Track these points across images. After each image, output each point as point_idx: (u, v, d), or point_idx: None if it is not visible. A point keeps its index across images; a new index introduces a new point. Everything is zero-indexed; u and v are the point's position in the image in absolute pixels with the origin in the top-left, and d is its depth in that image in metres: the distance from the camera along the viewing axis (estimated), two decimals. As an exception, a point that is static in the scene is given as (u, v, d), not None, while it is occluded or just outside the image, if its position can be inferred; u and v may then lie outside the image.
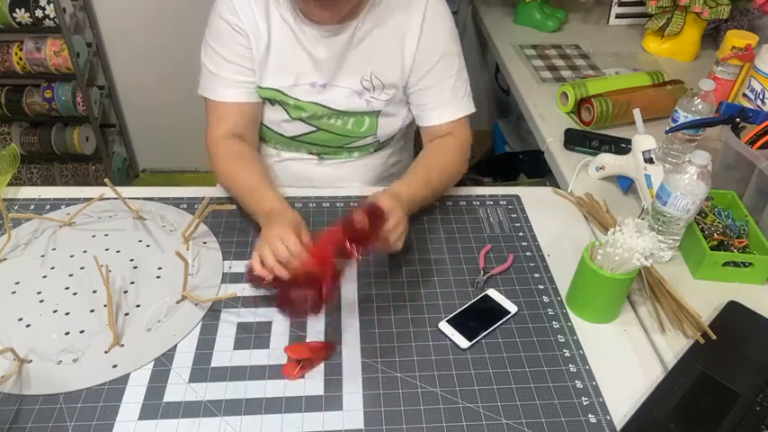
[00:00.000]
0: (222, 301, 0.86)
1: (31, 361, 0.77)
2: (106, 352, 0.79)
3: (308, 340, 0.82)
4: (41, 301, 0.85)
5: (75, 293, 0.86)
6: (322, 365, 0.79)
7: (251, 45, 1.00)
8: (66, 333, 0.81)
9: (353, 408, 0.74)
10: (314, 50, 1.01)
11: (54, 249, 0.94)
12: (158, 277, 0.90)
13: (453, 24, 1.06)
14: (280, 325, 0.84)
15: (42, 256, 0.92)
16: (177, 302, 0.86)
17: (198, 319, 0.84)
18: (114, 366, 0.77)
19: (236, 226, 0.99)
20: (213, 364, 0.78)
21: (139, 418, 0.72)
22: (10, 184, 1.04)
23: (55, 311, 0.84)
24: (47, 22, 1.86)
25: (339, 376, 0.77)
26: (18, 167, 1.08)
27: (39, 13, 1.84)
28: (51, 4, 1.83)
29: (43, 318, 0.83)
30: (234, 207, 1.00)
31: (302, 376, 0.77)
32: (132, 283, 0.89)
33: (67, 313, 0.84)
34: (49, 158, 2.21)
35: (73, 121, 2.11)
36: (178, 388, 0.75)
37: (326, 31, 1.00)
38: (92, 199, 1.01)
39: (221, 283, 0.90)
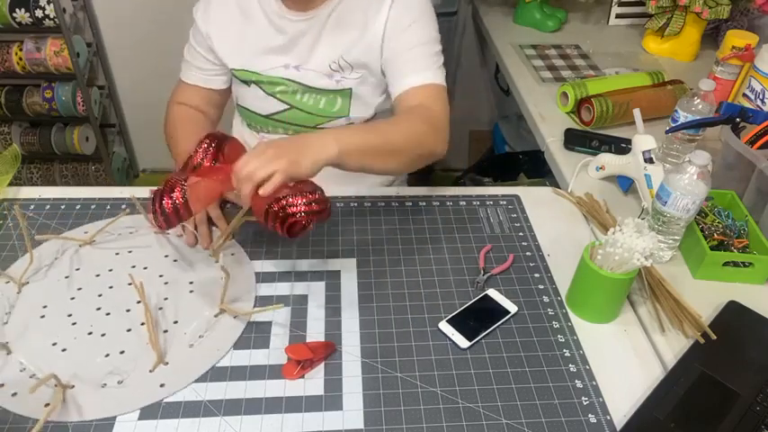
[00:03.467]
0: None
1: (73, 386, 0.74)
2: (151, 371, 0.77)
3: (307, 340, 0.82)
4: (74, 324, 0.82)
5: (107, 314, 0.84)
6: (322, 365, 0.79)
7: (211, 42, 1.08)
8: (107, 355, 0.78)
9: (353, 408, 0.74)
10: (289, 35, 1.04)
11: (78, 270, 0.90)
12: (191, 292, 0.88)
13: (427, 3, 1.05)
14: (280, 325, 0.84)
15: (67, 277, 0.89)
16: (215, 316, 0.84)
17: (240, 330, 0.82)
18: (162, 386, 0.75)
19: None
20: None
21: (139, 418, 0.72)
22: (10, 184, 1.04)
23: (90, 333, 0.81)
24: (47, 22, 1.86)
25: (339, 376, 0.77)
26: (18, 168, 1.08)
27: (39, 13, 1.84)
28: (51, 4, 1.83)
29: (78, 341, 0.80)
30: None
31: (302, 377, 0.77)
32: (166, 299, 0.86)
33: (103, 334, 0.81)
34: (49, 158, 2.21)
35: (73, 121, 2.11)
36: (178, 388, 0.75)
37: (303, 17, 1.02)
38: (112, 219, 0.97)
39: (255, 293, 0.89)
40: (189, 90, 1.15)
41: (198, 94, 1.15)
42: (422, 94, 1.02)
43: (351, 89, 1.08)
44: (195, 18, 1.09)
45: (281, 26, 1.04)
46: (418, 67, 1.03)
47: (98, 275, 0.90)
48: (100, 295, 0.87)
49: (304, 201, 0.76)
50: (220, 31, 1.07)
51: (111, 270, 0.91)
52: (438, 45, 1.06)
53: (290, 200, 0.75)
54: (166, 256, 0.94)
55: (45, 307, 0.85)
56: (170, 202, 0.78)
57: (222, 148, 0.81)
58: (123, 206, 1.02)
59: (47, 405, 0.72)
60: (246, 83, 1.11)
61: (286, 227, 0.75)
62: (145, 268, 0.91)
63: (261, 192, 0.74)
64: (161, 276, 0.90)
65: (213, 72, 1.13)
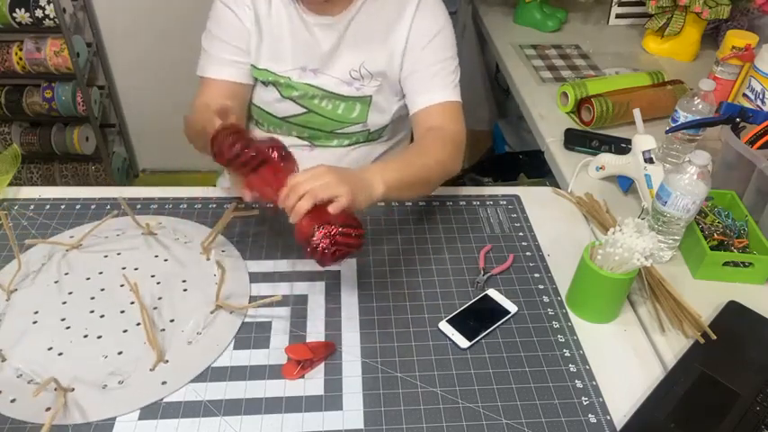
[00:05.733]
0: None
1: (73, 389, 0.74)
2: (151, 370, 0.77)
3: (307, 340, 0.82)
4: (68, 328, 0.81)
5: (101, 316, 0.83)
6: (322, 365, 0.79)
7: (245, 26, 1.02)
8: (105, 357, 0.78)
9: (353, 408, 0.74)
10: (310, 38, 1.03)
11: (67, 274, 0.90)
12: (185, 290, 0.88)
13: (447, 18, 1.06)
14: (280, 325, 0.84)
15: (56, 282, 0.88)
16: (211, 312, 0.85)
17: (237, 326, 0.83)
18: (164, 383, 0.75)
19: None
20: (213, 364, 0.78)
21: (139, 418, 0.72)
22: (10, 184, 1.04)
23: (85, 336, 0.80)
24: (47, 22, 1.86)
25: (339, 376, 0.78)
26: (18, 167, 1.08)
27: (39, 13, 1.84)
28: (51, 4, 1.83)
29: (75, 344, 0.79)
30: (256, 213, 1.00)
31: (302, 377, 0.77)
32: (160, 298, 0.86)
33: (99, 337, 0.80)
34: (49, 158, 2.21)
35: (73, 121, 2.11)
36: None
37: (324, 21, 1.02)
38: (98, 222, 0.97)
39: (249, 289, 0.89)
40: (214, 87, 1.04)
41: (225, 90, 1.04)
42: (442, 114, 1.04)
43: (371, 96, 1.08)
44: (225, 3, 1.02)
45: (301, 28, 1.03)
46: (437, 84, 1.04)
47: (88, 279, 0.89)
48: (92, 298, 0.86)
49: (355, 233, 0.78)
50: (251, 26, 1.03)
51: (101, 273, 0.90)
52: (455, 60, 1.07)
53: (344, 229, 0.77)
54: (156, 256, 0.94)
55: (36, 313, 0.84)
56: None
57: (283, 155, 0.84)
58: (108, 207, 1.02)
59: (48, 409, 0.71)
60: (264, 83, 1.08)
61: (333, 252, 0.76)
62: (136, 269, 0.91)
63: (330, 209, 0.76)
64: (153, 276, 0.90)
65: (245, 67, 1.05)
